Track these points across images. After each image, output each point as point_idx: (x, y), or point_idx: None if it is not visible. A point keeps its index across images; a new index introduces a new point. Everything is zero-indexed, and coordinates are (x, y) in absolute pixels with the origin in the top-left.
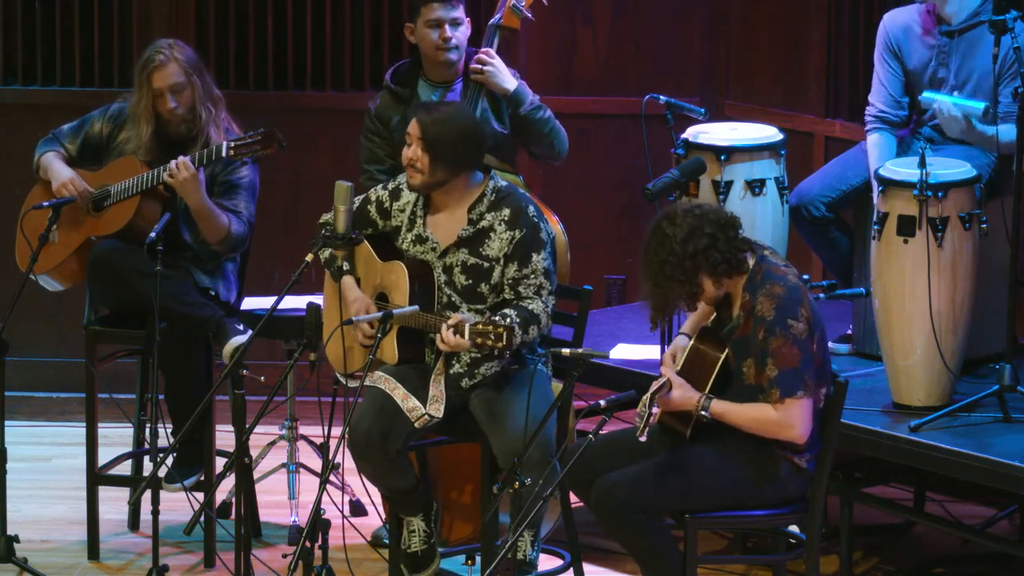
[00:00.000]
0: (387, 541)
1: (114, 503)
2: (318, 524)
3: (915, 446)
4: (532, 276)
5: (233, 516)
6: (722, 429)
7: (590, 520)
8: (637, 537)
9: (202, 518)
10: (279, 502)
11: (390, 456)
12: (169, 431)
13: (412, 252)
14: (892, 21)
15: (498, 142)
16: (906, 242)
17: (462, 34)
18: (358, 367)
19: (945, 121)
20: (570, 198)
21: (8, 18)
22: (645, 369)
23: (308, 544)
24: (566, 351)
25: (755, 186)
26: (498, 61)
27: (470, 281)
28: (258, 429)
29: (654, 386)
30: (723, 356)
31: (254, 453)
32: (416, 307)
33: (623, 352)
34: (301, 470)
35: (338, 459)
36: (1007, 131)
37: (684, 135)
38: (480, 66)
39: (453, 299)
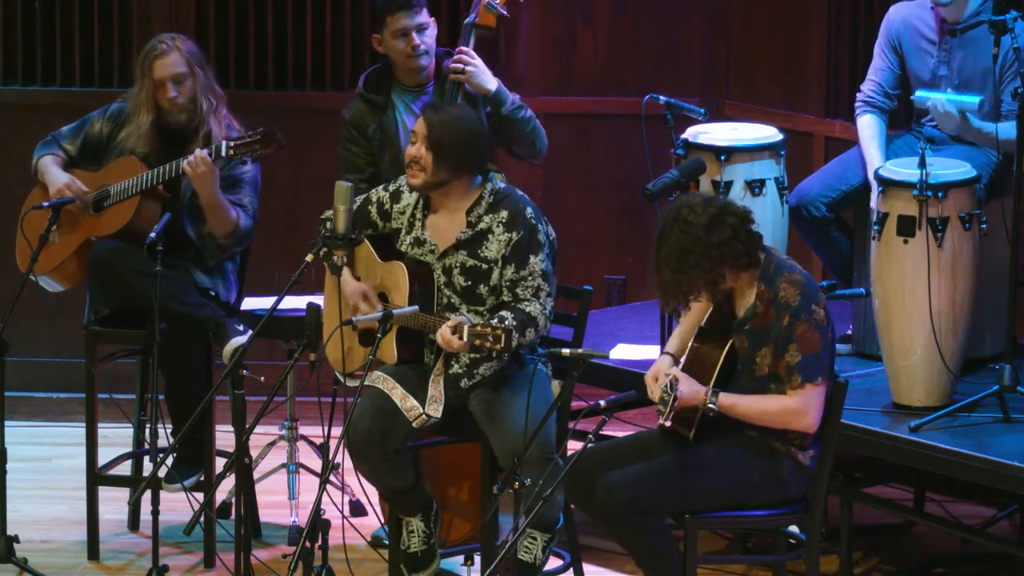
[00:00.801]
0: (387, 542)
1: (114, 503)
2: (318, 524)
3: (915, 446)
4: (529, 278)
5: (233, 516)
6: (724, 430)
7: (590, 520)
8: (638, 537)
9: (202, 518)
10: (279, 502)
11: (388, 456)
12: (169, 431)
13: (412, 255)
14: (896, 15)
15: None
16: (906, 242)
17: (430, 37)
18: (357, 366)
19: (940, 118)
20: (570, 198)
21: (8, 18)
22: (645, 369)
23: (308, 544)
24: (566, 351)
25: (755, 186)
26: (479, 61)
27: (469, 283)
28: (258, 429)
29: (663, 380)
30: (724, 353)
31: (254, 453)
32: (416, 307)
33: (623, 352)
34: (301, 470)
35: (338, 459)
36: (1007, 128)
37: (684, 135)
38: (461, 66)
39: (452, 300)
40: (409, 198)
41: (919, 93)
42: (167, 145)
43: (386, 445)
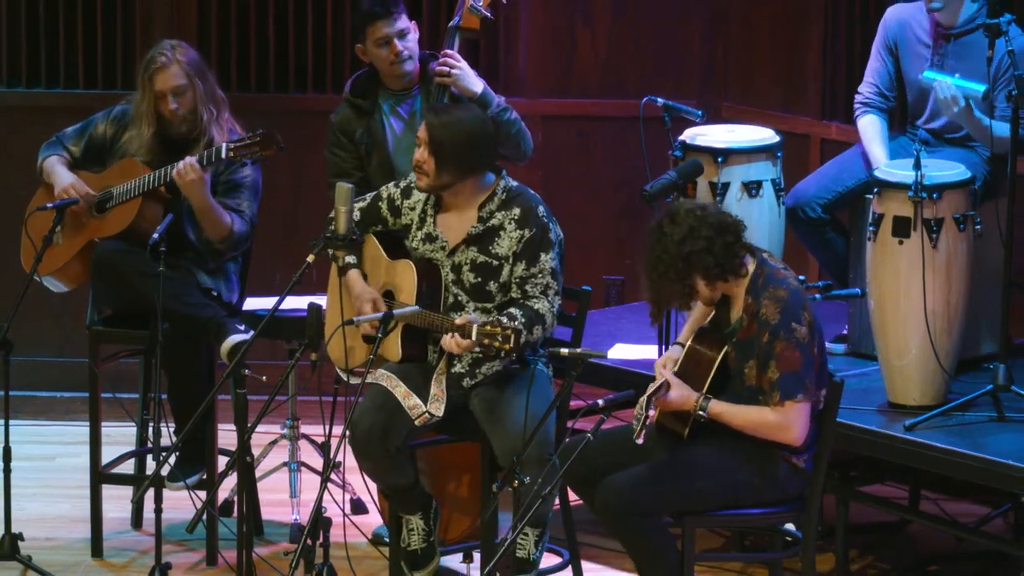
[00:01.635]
0: (387, 539)
1: (117, 501)
2: (319, 522)
3: (910, 445)
4: (539, 276)
5: (235, 514)
6: (720, 430)
7: (589, 518)
8: (637, 538)
9: (204, 516)
10: (281, 500)
11: (390, 453)
12: (172, 430)
13: (421, 250)
14: (894, 17)
15: None
16: (901, 243)
17: (412, 42)
18: (360, 364)
19: (943, 102)
20: (569, 199)
21: (12, 21)
22: (643, 369)
23: (309, 542)
24: (564, 351)
25: (752, 188)
26: (464, 64)
27: (479, 279)
28: (260, 428)
29: (651, 388)
30: (720, 357)
31: (256, 452)
32: (417, 308)
33: (621, 352)
34: (302, 469)
35: (339, 458)
36: (1001, 127)
37: (682, 137)
38: (447, 69)
39: (460, 298)
40: (420, 194)
41: (927, 73)
42: (169, 153)
43: (388, 442)
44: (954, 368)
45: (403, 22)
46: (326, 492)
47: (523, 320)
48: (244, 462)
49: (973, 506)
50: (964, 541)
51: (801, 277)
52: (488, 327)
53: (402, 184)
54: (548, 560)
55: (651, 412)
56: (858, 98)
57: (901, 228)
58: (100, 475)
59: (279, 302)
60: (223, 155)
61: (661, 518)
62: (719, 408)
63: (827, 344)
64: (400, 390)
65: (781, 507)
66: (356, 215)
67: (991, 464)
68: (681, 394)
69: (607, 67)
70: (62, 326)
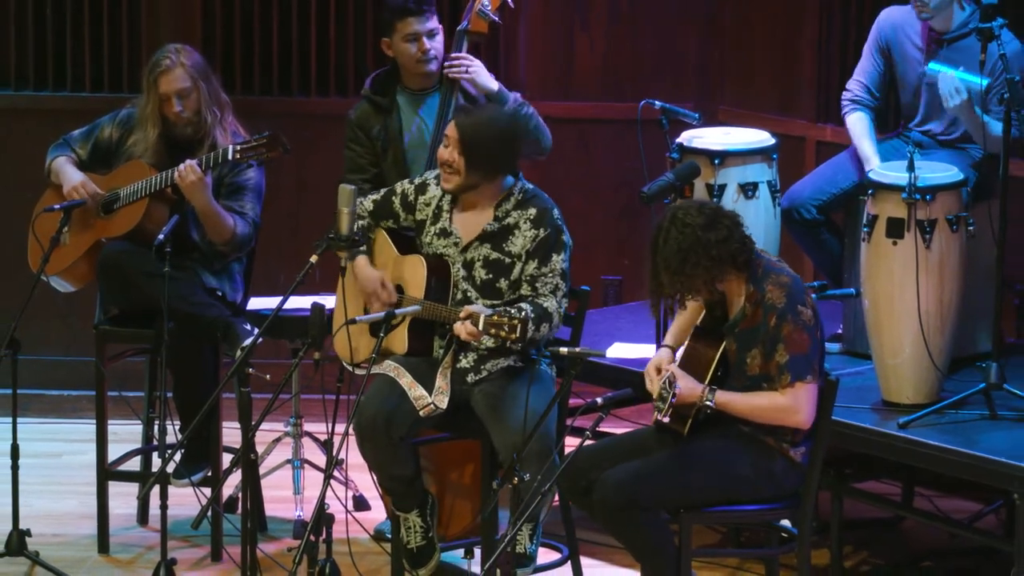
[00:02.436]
0: (389, 535)
1: (123, 498)
2: (322, 518)
3: (904, 442)
4: (550, 275)
5: (239, 511)
6: (717, 427)
7: (587, 515)
8: (635, 533)
9: (209, 513)
10: (284, 497)
11: (394, 441)
12: (177, 428)
13: (435, 245)
14: (887, 19)
15: None
16: (895, 244)
17: (439, 43)
18: (365, 357)
19: (946, 94)
20: (569, 200)
21: (20, 25)
22: (641, 368)
23: (312, 538)
24: (564, 350)
25: (748, 189)
26: (478, 62)
27: (490, 276)
28: (264, 426)
29: (665, 375)
30: (719, 353)
31: (260, 449)
32: (418, 307)
33: (619, 351)
34: (306, 466)
35: (342, 455)
36: (996, 125)
37: (679, 139)
38: (464, 69)
39: (469, 294)
40: (435, 190)
41: (932, 65)
42: (174, 155)
43: (392, 430)
44: (947, 367)
45: (433, 22)
46: (329, 489)
47: (532, 315)
48: (248, 459)
49: (966, 502)
50: (957, 537)
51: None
52: (495, 317)
53: (416, 180)
54: (548, 556)
55: (677, 389)
56: (846, 95)
57: (895, 229)
58: (106, 472)
59: (283, 302)
60: (229, 157)
61: (658, 513)
62: (726, 397)
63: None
64: (406, 380)
65: (777, 503)
66: (369, 206)
67: (983, 461)
68: (688, 386)
69: (605, 71)
70: (69, 326)
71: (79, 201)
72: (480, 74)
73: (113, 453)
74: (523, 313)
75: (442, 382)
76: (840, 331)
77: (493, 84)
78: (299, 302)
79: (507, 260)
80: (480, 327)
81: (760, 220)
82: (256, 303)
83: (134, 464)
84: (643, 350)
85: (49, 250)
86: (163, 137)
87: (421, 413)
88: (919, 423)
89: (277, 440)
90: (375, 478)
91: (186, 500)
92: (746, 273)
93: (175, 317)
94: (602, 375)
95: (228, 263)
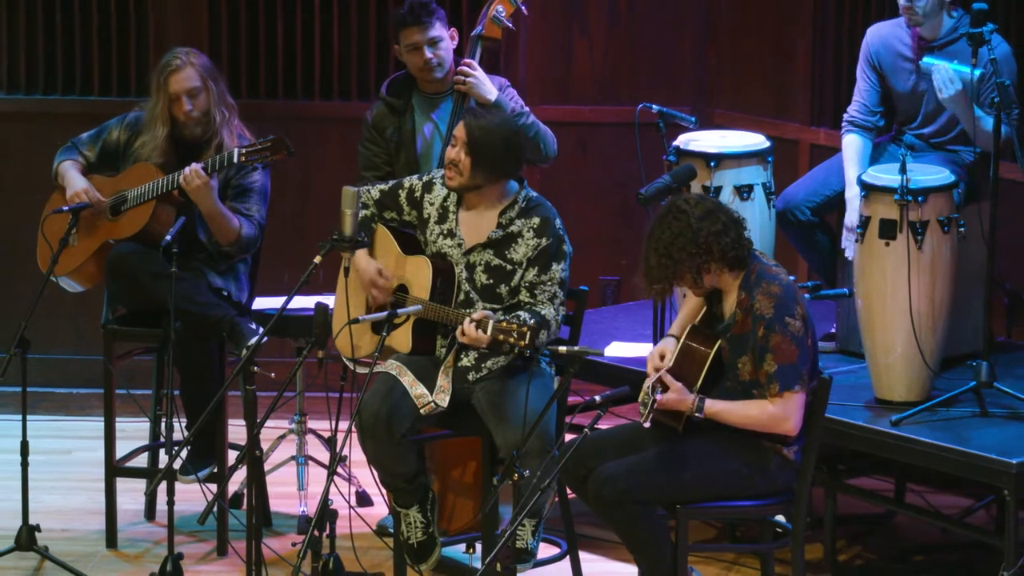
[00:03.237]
0: (392, 530)
1: (131, 494)
2: (326, 514)
3: (896, 440)
4: (549, 283)
5: (245, 506)
6: (714, 423)
7: (586, 510)
8: (631, 526)
9: (215, 508)
10: (289, 493)
11: (395, 439)
12: (184, 425)
13: (439, 245)
14: (875, 35)
15: None
16: (887, 245)
17: (444, 50)
18: (366, 353)
19: (941, 85)
20: (568, 202)
21: (30, 31)
22: (638, 366)
23: (316, 533)
24: (563, 349)
25: (743, 191)
26: (480, 72)
27: (491, 281)
28: (268, 423)
29: (652, 378)
30: (713, 352)
31: (265, 446)
32: (420, 306)
33: (617, 350)
34: (310, 462)
35: (345, 452)
36: (988, 121)
37: (676, 142)
38: (463, 77)
39: (471, 296)
40: (442, 190)
41: (926, 59)
42: (181, 155)
43: (393, 427)
44: (938, 365)
45: (436, 31)
46: (332, 485)
47: (531, 323)
48: (253, 456)
49: (957, 498)
50: (948, 532)
51: (792, 277)
52: (504, 324)
53: (424, 178)
54: (547, 551)
55: (658, 396)
56: (845, 117)
57: (887, 230)
58: (114, 469)
59: (287, 301)
60: (235, 160)
61: (655, 509)
62: (716, 408)
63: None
64: (408, 379)
65: (772, 499)
66: (376, 195)
67: (974, 458)
68: (677, 397)
69: (604, 76)
70: (78, 325)
71: (86, 203)
72: (479, 85)
73: (121, 450)
74: (532, 320)
75: (443, 381)
76: (833, 330)
77: (491, 95)
78: (303, 302)
79: (508, 267)
80: (489, 332)
81: (755, 222)
82: (261, 303)
83: (141, 460)
84: (640, 349)
85: (58, 251)
86: (171, 137)
87: (422, 411)
88: (911, 421)
89: (282, 437)
90: (376, 475)
91: (193, 496)
92: (740, 273)
93: (182, 316)
94: (600, 373)
95: (234, 264)
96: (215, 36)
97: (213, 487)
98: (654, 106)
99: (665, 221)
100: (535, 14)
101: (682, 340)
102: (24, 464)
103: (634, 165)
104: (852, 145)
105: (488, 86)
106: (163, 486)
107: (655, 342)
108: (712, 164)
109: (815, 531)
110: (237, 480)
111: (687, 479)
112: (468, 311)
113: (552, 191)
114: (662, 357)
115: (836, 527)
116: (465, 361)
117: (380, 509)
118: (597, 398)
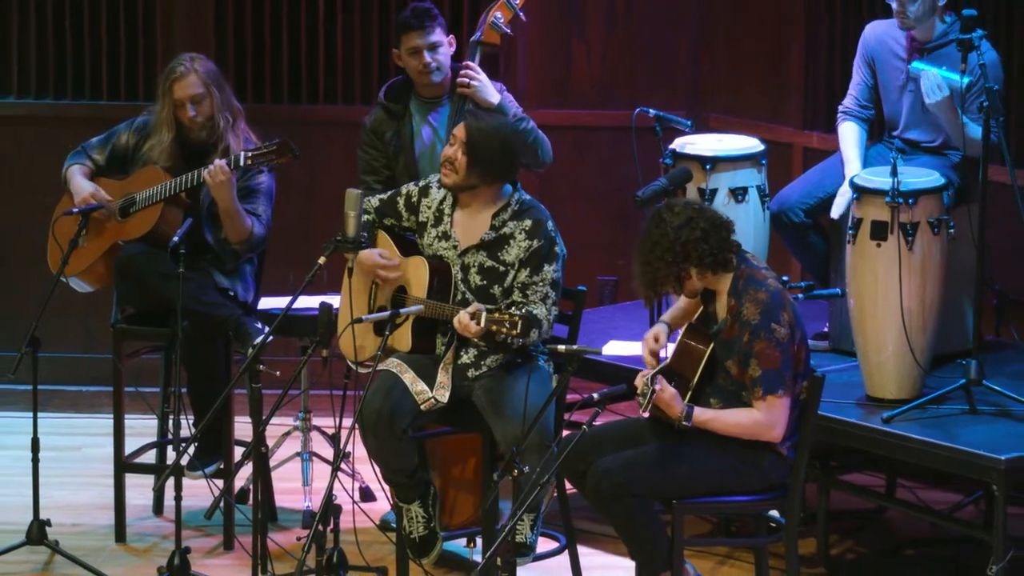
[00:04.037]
0: (395, 525)
1: (140, 489)
2: (330, 509)
3: (887, 436)
4: (540, 284)
5: (250, 502)
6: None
7: (585, 505)
8: (628, 520)
9: (222, 503)
10: (293, 488)
11: (396, 435)
12: (191, 422)
13: (436, 248)
14: (871, 33)
15: None
16: (879, 246)
17: (443, 55)
18: (369, 355)
19: (928, 91)
20: (566, 204)
21: (40, 37)
22: (635, 364)
23: (321, 528)
24: (561, 348)
25: (738, 193)
26: (483, 76)
27: (484, 282)
28: (274, 420)
29: (647, 374)
30: (708, 351)
31: (270, 443)
32: (421, 306)
33: (615, 348)
34: (314, 459)
35: (349, 448)
36: (975, 128)
37: (672, 146)
38: (467, 80)
39: (467, 296)
40: (438, 194)
41: (915, 64)
42: (188, 159)
43: (394, 424)
44: (929, 363)
45: (436, 36)
46: (336, 480)
47: (524, 310)
48: (259, 452)
49: (947, 494)
50: (938, 527)
51: (785, 278)
52: (496, 315)
53: (421, 183)
54: (545, 544)
55: (657, 386)
56: (840, 108)
57: (879, 232)
58: (123, 465)
59: (292, 301)
60: (241, 163)
61: (652, 503)
62: (704, 416)
63: (809, 341)
64: (408, 376)
65: (766, 495)
66: (375, 203)
67: (964, 454)
68: (668, 401)
69: (601, 80)
70: (87, 325)
71: (97, 205)
72: (482, 89)
73: (130, 446)
74: (523, 310)
75: (444, 377)
76: (826, 329)
77: (494, 99)
78: (308, 302)
79: (501, 268)
80: (482, 323)
81: (749, 223)
82: (267, 303)
83: (150, 457)
84: (637, 348)
85: (68, 252)
86: (178, 141)
87: (422, 407)
88: (902, 418)
89: (287, 434)
90: (377, 471)
91: (200, 491)
92: (729, 276)
93: (189, 316)
94: (598, 371)
95: (240, 264)
96: (222, 41)
97: (220, 483)
98: (651, 110)
99: (647, 230)
100: (533, 19)
101: (680, 338)
102: (35, 460)
103: (631, 168)
104: (849, 130)
105: (491, 90)
106: (171, 482)
107: None
108: (708, 167)
109: (808, 526)
110: (243, 476)
111: (683, 474)
112: (463, 306)
113: (550, 194)
114: (656, 339)
115: (829, 522)
116: (465, 359)
117: (383, 504)
118: (595, 396)
